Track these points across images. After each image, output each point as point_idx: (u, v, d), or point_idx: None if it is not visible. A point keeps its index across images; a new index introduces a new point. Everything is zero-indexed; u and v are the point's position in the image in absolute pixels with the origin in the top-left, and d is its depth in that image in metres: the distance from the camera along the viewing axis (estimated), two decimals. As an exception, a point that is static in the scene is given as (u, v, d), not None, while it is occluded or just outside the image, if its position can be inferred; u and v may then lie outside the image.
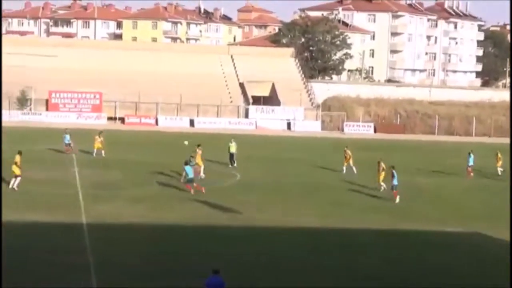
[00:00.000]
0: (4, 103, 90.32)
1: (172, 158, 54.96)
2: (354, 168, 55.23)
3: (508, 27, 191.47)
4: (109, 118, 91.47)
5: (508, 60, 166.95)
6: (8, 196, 41.61)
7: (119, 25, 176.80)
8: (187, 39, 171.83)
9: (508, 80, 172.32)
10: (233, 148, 57.56)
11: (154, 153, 62.39)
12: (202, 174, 49.69)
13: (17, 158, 44.46)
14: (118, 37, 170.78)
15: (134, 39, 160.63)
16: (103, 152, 59.63)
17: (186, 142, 56.96)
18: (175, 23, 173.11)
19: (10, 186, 43.81)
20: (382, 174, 47.79)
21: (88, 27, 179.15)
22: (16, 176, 44.00)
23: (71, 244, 32.76)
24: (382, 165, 48.09)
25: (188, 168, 45.03)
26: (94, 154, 59.36)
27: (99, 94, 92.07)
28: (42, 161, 54.17)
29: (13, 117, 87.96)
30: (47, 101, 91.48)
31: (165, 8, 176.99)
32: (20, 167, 44.04)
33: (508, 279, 29.10)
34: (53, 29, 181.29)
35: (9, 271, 28.29)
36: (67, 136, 61.07)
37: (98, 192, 44.85)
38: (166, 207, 41.28)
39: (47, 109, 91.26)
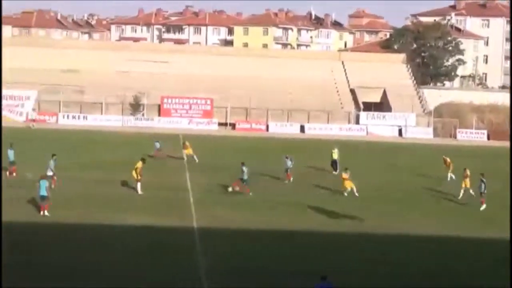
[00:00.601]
0: (118, 109, 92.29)
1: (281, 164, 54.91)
2: (450, 176, 54.46)
3: None
4: (220, 124, 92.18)
5: None
6: (125, 200, 42.46)
7: (230, 32, 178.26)
8: (298, 45, 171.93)
9: None
10: (335, 154, 57.42)
11: (264, 159, 62.43)
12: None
13: (139, 164, 45.42)
14: (229, 43, 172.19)
15: (245, 45, 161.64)
16: (195, 156, 59.82)
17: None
18: (286, 29, 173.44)
19: (140, 192, 44.86)
20: (466, 181, 47.07)
21: (200, 33, 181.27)
22: (137, 181, 45.05)
23: (182, 246, 33.07)
24: (467, 172, 47.47)
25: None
26: (185, 161, 59.41)
27: (210, 100, 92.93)
28: (155, 166, 54.88)
29: (126, 123, 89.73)
30: (159, 106, 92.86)
31: (276, 14, 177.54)
32: (140, 174, 44.93)
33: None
34: (165, 36, 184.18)
35: (123, 270, 28.76)
36: (157, 144, 62.17)
37: (208, 197, 45.19)
38: (276, 212, 41.26)
39: (159, 115, 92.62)
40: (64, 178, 47.85)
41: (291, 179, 51.97)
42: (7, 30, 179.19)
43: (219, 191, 47.15)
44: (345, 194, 46.65)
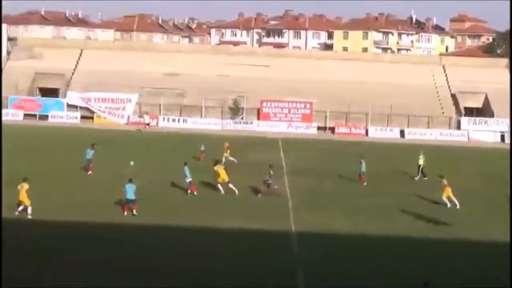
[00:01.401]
0: (217, 112, 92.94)
1: (383, 168, 54.32)
2: None
3: None
4: (319, 128, 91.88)
5: None
6: (223, 203, 42.66)
7: (330, 36, 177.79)
8: (398, 49, 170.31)
9: None
10: (421, 160, 56.65)
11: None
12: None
13: (218, 168, 46.33)
14: (329, 47, 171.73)
15: (345, 49, 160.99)
16: (234, 159, 59.51)
17: (132, 163, 53.80)
18: (386, 33, 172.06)
19: (237, 192, 45.30)
20: None
21: (300, 37, 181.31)
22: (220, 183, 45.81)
23: (279, 251, 32.93)
24: None
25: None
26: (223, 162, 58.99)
27: (309, 104, 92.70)
28: (254, 168, 54.94)
29: (225, 126, 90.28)
30: (258, 110, 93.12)
31: (376, 18, 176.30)
32: (220, 175, 45.32)
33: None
34: (265, 40, 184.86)
35: (219, 274, 28.79)
36: (202, 146, 62.62)
37: (307, 201, 45.01)
38: (377, 219, 40.80)
39: (258, 118, 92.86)
40: (163, 180, 48.43)
41: (364, 183, 51.85)
42: (109, 34, 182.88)
43: (318, 196, 46.90)
44: (447, 204, 45.45)
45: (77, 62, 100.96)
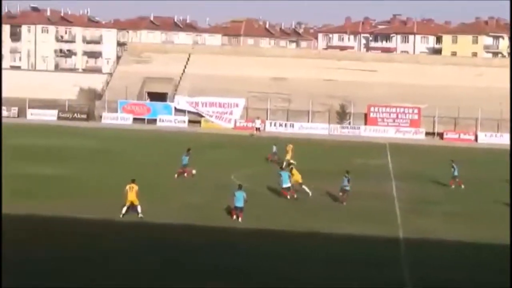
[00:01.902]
0: (324, 117, 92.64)
1: (490, 174, 53.08)
2: None
3: None
4: (427, 133, 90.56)
5: None
6: (330, 209, 42.38)
7: (439, 40, 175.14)
8: (509, 53, 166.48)
9: None
10: None
11: (471, 170, 60.52)
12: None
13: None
14: (438, 51, 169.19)
15: (454, 54, 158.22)
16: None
17: (194, 171, 52.46)
18: (497, 37, 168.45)
19: (310, 194, 45.25)
20: None
21: (408, 41, 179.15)
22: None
23: (386, 257, 32.45)
24: None
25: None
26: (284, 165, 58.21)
27: (417, 109, 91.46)
28: (360, 174, 54.42)
29: (332, 131, 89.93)
30: (365, 115, 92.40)
31: (486, 23, 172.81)
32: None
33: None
34: (372, 44, 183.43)
35: (326, 281, 28.53)
36: (274, 147, 63.04)
37: (415, 206, 44.34)
38: (483, 225, 39.81)
39: (365, 123, 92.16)
40: (269, 185, 48.45)
41: (462, 186, 51.21)
42: (217, 38, 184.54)
43: (426, 201, 46.14)
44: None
45: (185, 67, 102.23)
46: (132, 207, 38.48)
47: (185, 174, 51.70)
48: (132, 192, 38.54)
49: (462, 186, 51.11)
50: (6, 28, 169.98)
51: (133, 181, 39.16)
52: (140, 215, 38.30)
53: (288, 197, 43.82)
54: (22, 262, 29.60)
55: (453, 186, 51.18)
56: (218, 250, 32.69)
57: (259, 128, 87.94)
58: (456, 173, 51.71)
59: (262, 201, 43.68)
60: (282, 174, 44.51)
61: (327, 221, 39.23)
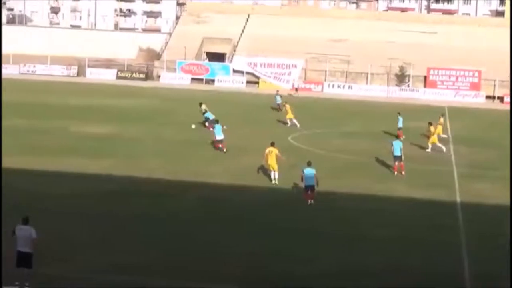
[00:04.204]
0: (383, 79, 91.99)
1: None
2: None
3: None
4: (488, 97, 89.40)
5: None
6: (388, 171, 42.24)
7: (502, 2, 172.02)
8: None
9: None
10: None
11: None
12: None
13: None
14: (500, 14, 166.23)
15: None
16: (295, 121, 58.38)
17: (193, 126, 54.70)
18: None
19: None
20: None
21: (470, 3, 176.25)
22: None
23: (444, 221, 32.26)
24: None
25: None
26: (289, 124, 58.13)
27: (478, 72, 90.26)
28: (418, 137, 53.99)
29: (391, 93, 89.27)
30: (425, 78, 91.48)
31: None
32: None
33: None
34: (433, 6, 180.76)
35: (383, 242, 28.51)
36: (277, 97, 66.20)
37: (472, 171, 43.92)
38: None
39: (424, 86, 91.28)
40: (327, 147, 48.39)
41: None
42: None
43: (484, 166, 45.66)
44: None
45: (244, 27, 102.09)
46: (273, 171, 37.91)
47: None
48: (272, 156, 37.58)
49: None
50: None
51: (272, 145, 38.24)
52: (274, 181, 37.65)
53: (403, 172, 41.55)
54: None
55: None
56: (283, 210, 32.88)
57: (297, 89, 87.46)
58: None
59: (323, 163, 43.68)
60: (394, 144, 41.88)
61: (385, 184, 39.09)
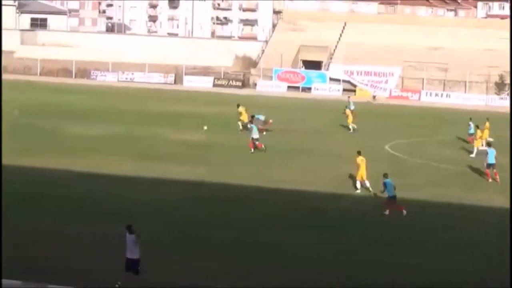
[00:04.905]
0: (482, 87, 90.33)
1: None
2: None
3: None
4: None
5: None
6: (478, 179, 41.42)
7: None
8: None
9: None
10: None
11: None
12: None
13: None
14: None
15: None
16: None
17: (205, 127, 55.75)
18: None
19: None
20: None
21: None
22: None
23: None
24: None
25: None
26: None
27: None
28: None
29: (490, 102, 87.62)
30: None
31: None
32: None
33: None
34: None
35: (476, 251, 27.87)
36: (351, 103, 64.81)
37: None
38: None
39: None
40: (424, 156, 47.71)
41: None
42: (373, 6, 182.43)
43: None
44: None
45: (341, 35, 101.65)
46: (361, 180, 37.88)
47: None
48: (363, 165, 37.50)
49: None
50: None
51: (359, 153, 38.17)
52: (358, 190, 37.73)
53: (498, 180, 41.10)
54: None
55: None
56: (376, 219, 32.55)
57: (375, 96, 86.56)
58: None
59: (419, 172, 43.10)
60: (489, 152, 41.71)
61: (481, 193, 38.34)
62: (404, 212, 33.20)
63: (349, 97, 73.39)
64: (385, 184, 33.59)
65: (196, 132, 55.20)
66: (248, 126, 52.07)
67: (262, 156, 46.91)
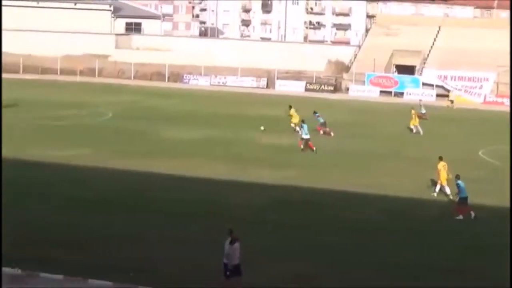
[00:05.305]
0: None
1: None
2: None
3: None
4: None
5: None
6: None
7: None
8: None
9: None
10: None
11: None
12: None
13: None
14: None
15: None
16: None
17: (262, 128, 56.62)
18: None
19: None
20: None
21: None
22: None
23: None
24: None
25: None
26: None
27: None
28: None
29: None
30: None
31: None
32: None
33: None
34: None
35: None
36: (422, 107, 67.61)
37: None
38: None
39: None
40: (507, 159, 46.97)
41: None
42: (468, 11, 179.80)
43: None
44: None
45: (435, 39, 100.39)
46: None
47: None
48: (443, 171, 37.36)
49: None
50: (258, 1, 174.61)
51: (441, 159, 38.05)
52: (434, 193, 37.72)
53: None
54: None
55: None
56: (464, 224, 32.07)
57: (452, 101, 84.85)
58: None
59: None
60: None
61: None
62: (472, 214, 32.85)
63: (420, 100, 74.69)
64: (458, 186, 33.80)
65: (288, 136, 55.28)
66: (299, 127, 53.41)
67: (351, 160, 46.75)
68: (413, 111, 61.82)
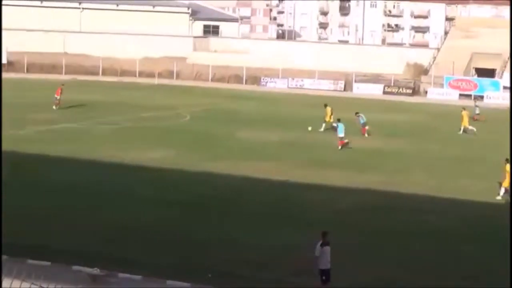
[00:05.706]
0: None
1: None
2: None
3: None
4: None
5: None
6: None
7: None
8: None
9: None
10: None
11: None
12: None
13: None
14: None
15: None
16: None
17: (309, 128, 57.45)
18: None
19: None
20: None
21: None
22: None
23: None
24: None
25: None
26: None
27: None
28: None
29: None
30: None
31: None
32: None
33: None
34: None
35: None
36: (476, 109, 68.93)
37: None
38: None
39: None
40: None
41: None
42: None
43: None
44: None
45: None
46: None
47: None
48: (507, 174, 37.01)
49: None
50: (335, 4, 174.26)
51: (507, 161, 37.60)
52: (499, 197, 37.28)
53: None
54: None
55: None
56: None
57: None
58: None
59: None
60: None
61: None
62: None
63: (475, 101, 75.23)
64: None
65: (365, 139, 55.04)
66: (334, 125, 54.64)
67: (433, 164, 46.36)
68: (463, 112, 61.39)
